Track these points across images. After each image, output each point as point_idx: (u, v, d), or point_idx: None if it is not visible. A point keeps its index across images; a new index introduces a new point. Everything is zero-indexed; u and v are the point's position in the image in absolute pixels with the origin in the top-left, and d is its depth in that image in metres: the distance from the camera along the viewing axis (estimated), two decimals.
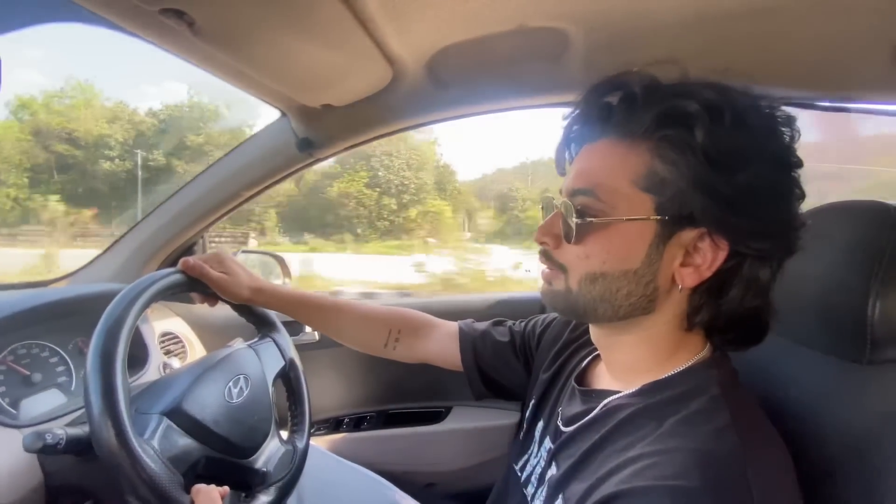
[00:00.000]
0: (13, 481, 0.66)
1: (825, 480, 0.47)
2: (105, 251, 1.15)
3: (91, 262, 1.15)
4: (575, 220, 0.47)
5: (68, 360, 0.85)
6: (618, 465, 0.42)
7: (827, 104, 0.86)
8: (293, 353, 0.82)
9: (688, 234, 0.45)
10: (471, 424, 1.22)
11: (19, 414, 0.75)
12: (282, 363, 0.80)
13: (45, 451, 0.56)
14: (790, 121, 0.46)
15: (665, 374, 0.48)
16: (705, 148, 0.43)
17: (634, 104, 0.47)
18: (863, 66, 0.76)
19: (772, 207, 0.44)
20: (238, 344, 0.78)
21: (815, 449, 0.49)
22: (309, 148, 1.00)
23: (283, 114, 0.98)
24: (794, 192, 0.46)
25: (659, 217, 0.45)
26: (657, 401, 0.46)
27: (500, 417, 1.20)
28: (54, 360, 0.85)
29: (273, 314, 0.83)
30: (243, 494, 0.69)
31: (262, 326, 0.82)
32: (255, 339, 0.80)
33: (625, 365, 0.53)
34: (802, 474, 0.44)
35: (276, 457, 0.72)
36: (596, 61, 0.78)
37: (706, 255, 0.45)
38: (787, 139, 0.46)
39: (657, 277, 0.46)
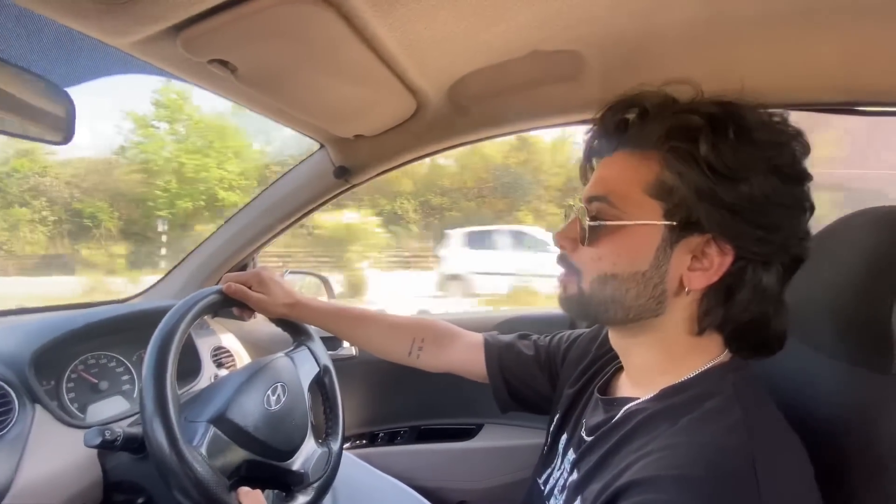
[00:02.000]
0: (75, 476, 0.73)
1: (848, 494, 0.45)
2: (170, 271, 1.26)
3: (160, 280, 1.27)
4: (589, 223, 0.50)
5: (132, 370, 0.94)
6: (631, 461, 0.44)
7: (867, 109, 0.82)
8: (327, 360, 0.86)
9: (695, 240, 0.47)
10: (502, 442, 1.22)
11: (86, 417, 0.84)
12: (316, 370, 0.84)
13: (103, 447, 0.62)
14: (798, 136, 0.47)
15: (682, 377, 0.49)
16: (708, 159, 0.45)
17: (647, 119, 0.50)
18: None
19: (775, 217, 0.46)
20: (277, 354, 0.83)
21: (839, 463, 0.47)
22: (345, 175, 1.07)
23: (322, 145, 1.06)
24: (798, 203, 0.47)
25: (666, 222, 0.47)
26: (673, 403, 0.47)
27: (531, 436, 1.19)
28: (120, 369, 0.93)
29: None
30: (283, 494, 0.73)
31: (298, 335, 0.87)
32: (291, 348, 0.84)
33: (641, 369, 0.54)
34: (823, 489, 0.42)
35: (313, 459, 0.76)
36: (613, 79, 0.79)
37: (713, 260, 0.47)
38: (796, 153, 0.47)
39: (665, 280, 0.48)
